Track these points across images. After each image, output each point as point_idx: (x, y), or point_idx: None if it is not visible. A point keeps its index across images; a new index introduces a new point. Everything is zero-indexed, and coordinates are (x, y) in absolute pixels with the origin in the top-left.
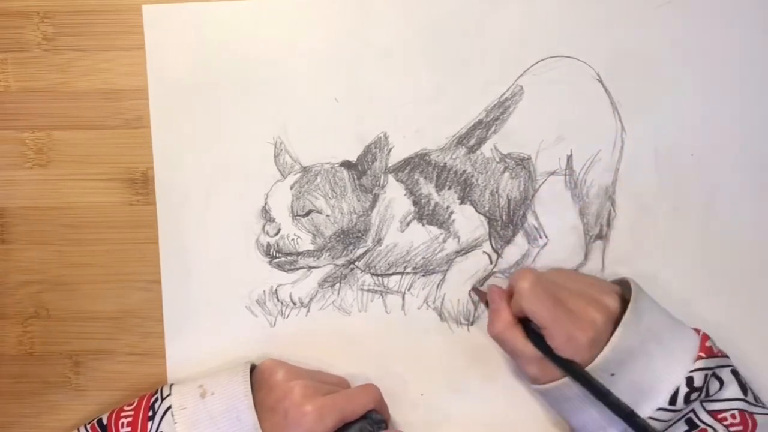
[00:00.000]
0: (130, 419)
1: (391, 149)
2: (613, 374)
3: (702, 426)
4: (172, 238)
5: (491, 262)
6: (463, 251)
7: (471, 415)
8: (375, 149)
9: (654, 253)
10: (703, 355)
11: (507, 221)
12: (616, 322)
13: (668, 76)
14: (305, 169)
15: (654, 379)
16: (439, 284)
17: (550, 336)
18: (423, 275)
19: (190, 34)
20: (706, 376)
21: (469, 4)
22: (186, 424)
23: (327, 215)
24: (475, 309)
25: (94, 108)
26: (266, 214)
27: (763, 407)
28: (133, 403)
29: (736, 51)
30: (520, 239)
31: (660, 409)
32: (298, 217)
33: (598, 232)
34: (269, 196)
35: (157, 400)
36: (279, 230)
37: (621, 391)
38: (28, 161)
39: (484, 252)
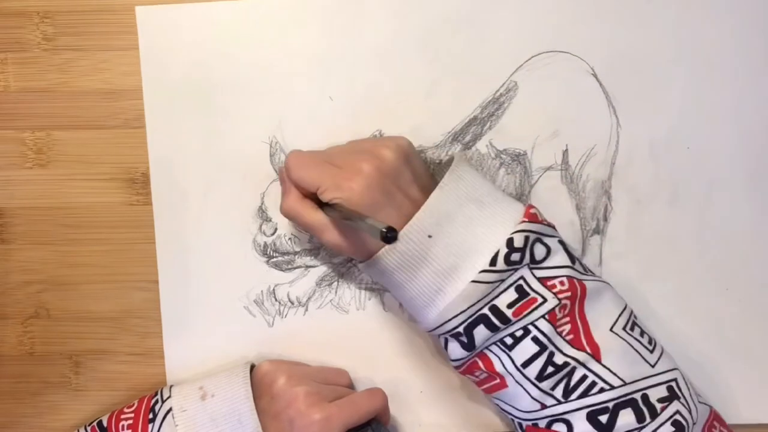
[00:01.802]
0: (130, 422)
1: None
2: (430, 236)
3: (533, 295)
4: (169, 239)
5: None
6: None
7: (470, 412)
8: None
9: (651, 247)
10: (526, 219)
11: None
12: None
13: (663, 70)
14: None
15: (474, 242)
16: None
17: (323, 193)
18: None
19: (184, 35)
20: (527, 238)
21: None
22: (187, 427)
23: None
24: None
25: (94, 108)
26: (263, 214)
27: (593, 275)
28: (133, 405)
29: (731, 45)
30: None
31: (483, 271)
32: None
33: (594, 227)
34: (265, 195)
35: (157, 402)
36: (276, 230)
37: (439, 252)
38: (28, 161)
39: None
